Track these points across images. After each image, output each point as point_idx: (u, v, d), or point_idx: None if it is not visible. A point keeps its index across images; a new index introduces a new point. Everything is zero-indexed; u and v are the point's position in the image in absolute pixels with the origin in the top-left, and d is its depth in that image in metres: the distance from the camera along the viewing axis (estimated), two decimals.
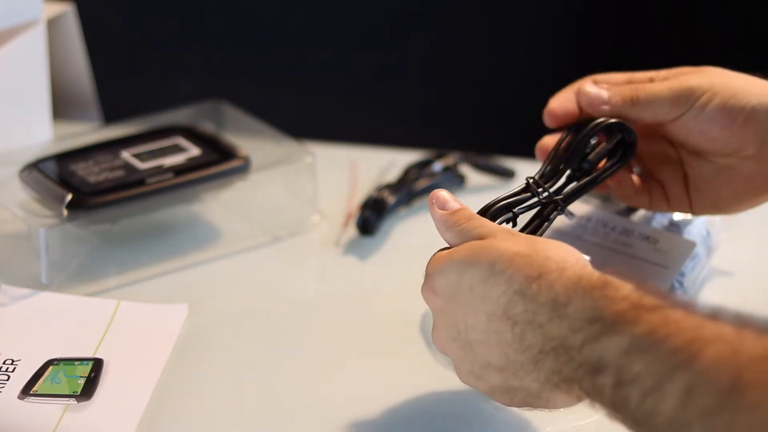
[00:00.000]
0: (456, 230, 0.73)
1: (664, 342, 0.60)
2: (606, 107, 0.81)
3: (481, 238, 0.71)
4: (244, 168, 0.96)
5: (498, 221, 0.76)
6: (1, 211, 0.92)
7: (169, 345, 0.82)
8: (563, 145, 0.80)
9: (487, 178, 1.05)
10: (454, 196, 0.75)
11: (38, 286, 0.89)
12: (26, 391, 0.78)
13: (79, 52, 1.10)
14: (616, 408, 0.62)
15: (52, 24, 1.06)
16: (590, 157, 0.81)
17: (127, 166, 0.94)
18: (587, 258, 0.69)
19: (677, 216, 0.90)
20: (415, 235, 0.98)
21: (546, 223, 0.77)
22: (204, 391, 0.79)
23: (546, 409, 0.70)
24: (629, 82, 0.83)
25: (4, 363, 0.80)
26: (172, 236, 0.96)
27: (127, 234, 0.95)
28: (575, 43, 1.76)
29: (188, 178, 0.94)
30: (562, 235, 0.87)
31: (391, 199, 0.98)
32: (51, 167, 0.93)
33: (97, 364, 0.80)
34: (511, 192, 0.77)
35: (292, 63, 1.73)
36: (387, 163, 1.06)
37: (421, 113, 1.78)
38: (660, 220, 0.89)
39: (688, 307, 0.62)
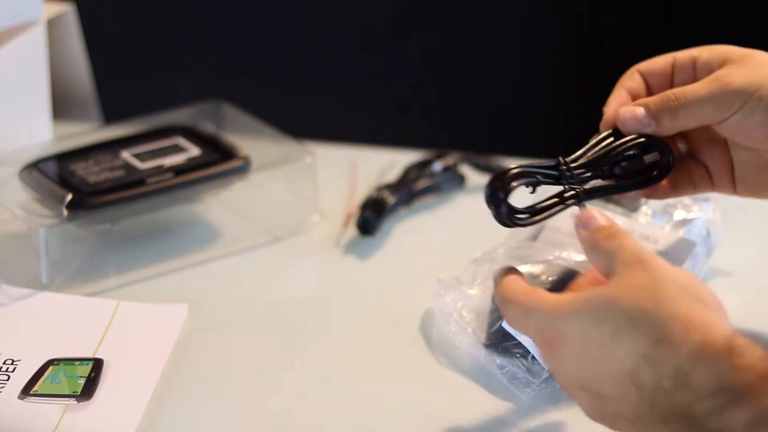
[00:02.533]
0: (597, 252, 0.70)
1: None
2: (648, 129, 0.79)
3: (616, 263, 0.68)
4: (244, 168, 0.96)
5: (518, 183, 0.74)
6: (1, 211, 0.92)
7: (169, 345, 0.82)
8: (602, 144, 0.79)
9: (487, 178, 1.05)
10: (602, 212, 0.72)
11: (38, 286, 0.89)
12: (26, 391, 0.78)
13: (79, 52, 1.10)
14: None
15: (52, 24, 1.06)
16: (624, 164, 0.79)
17: (127, 166, 0.94)
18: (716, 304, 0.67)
19: (677, 216, 0.90)
20: (415, 235, 0.98)
21: (562, 207, 0.75)
22: (204, 391, 0.79)
23: None
24: (671, 69, 0.81)
25: (4, 363, 0.80)
26: (172, 236, 0.96)
27: (127, 234, 0.95)
28: (575, 43, 1.76)
29: (188, 178, 0.94)
30: (564, 235, 0.87)
31: (391, 199, 0.98)
32: (51, 167, 0.93)
33: (97, 364, 0.80)
34: (541, 163, 0.76)
35: (292, 63, 1.73)
36: (387, 163, 1.06)
37: (421, 113, 1.78)
38: (660, 220, 0.89)
39: None
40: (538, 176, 0.75)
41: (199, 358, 0.82)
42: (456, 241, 0.97)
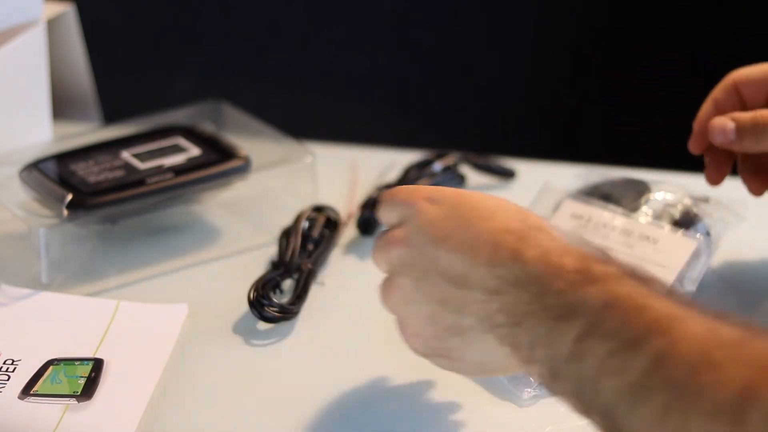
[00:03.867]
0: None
1: (646, 309, 0.59)
2: (733, 146, 0.82)
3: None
4: (244, 168, 0.96)
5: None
6: (1, 211, 0.92)
7: (169, 345, 0.82)
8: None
9: (487, 178, 1.05)
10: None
11: (38, 286, 0.89)
12: (26, 391, 0.78)
13: (79, 52, 1.10)
14: (567, 363, 0.60)
15: (52, 24, 1.06)
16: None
17: (127, 166, 0.94)
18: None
19: (677, 216, 0.90)
20: None
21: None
22: (204, 391, 0.79)
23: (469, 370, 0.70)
24: None
25: (4, 363, 0.80)
26: (172, 236, 0.96)
27: (127, 234, 0.95)
28: (575, 43, 1.76)
29: (188, 178, 0.94)
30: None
31: None
32: (51, 167, 0.93)
33: (98, 364, 0.80)
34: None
35: (292, 63, 1.73)
36: (387, 163, 1.06)
37: (421, 113, 1.78)
38: (660, 220, 0.89)
39: (670, 294, 0.61)
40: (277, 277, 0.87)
41: (199, 358, 0.82)
42: None
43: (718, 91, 0.85)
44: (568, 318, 0.61)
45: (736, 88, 0.85)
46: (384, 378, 0.80)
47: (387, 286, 0.71)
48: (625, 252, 0.87)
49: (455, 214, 0.68)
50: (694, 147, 0.88)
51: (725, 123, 0.82)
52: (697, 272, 0.87)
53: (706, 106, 0.86)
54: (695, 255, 0.86)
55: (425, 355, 0.71)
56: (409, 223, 0.69)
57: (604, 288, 0.61)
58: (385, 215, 0.72)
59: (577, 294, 0.61)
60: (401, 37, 1.74)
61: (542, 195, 0.92)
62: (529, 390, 0.77)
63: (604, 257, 0.63)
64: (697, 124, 0.87)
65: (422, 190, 0.70)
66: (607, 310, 0.60)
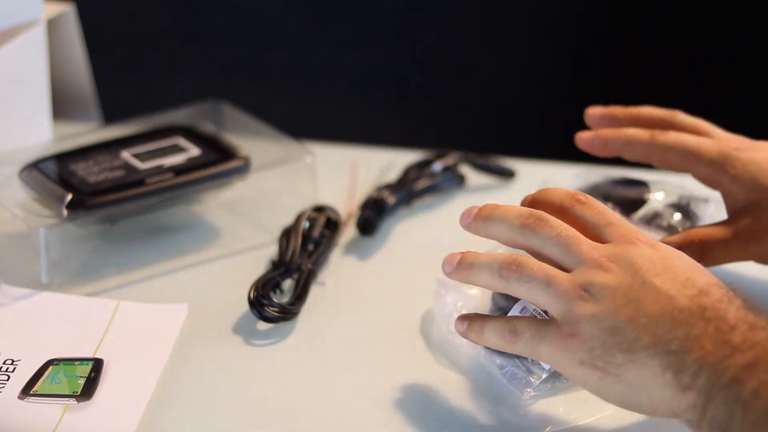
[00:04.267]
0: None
1: None
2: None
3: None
4: (244, 168, 0.96)
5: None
6: (1, 211, 0.92)
7: (169, 345, 0.82)
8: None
9: (487, 178, 1.05)
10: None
11: (38, 286, 0.89)
12: (26, 391, 0.78)
13: (79, 52, 1.10)
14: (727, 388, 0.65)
15: (52, 24, 1.06)
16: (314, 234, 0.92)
17: (127, 166, 0.94)
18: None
19: (676, 217, 0.90)
20: (415, 235, 0.98)
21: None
22: (204, 391, 0.79)
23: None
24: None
25: (4, 363, 0.80)
26: (172, 236, 0.96)
27: (127, 234, 0.95)
28: (575, 43, 1.76)
29: (188, 178, 0.94)
30: None
31: (391, 199, 0.98)
32: (51, 167, 0.93)
33: (97, 364, 0.80)
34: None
35: (292, 63, 1.73)
36: (387, 163, 1.06)
37: (421, 113, 1.78)
38: (659, 220, 0.89)
39: None
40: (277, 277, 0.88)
41: (199, 358, 0.82)
42: (456, 241, 0.97)
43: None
44: (742, 350, 0.65)
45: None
46: (384, 378, 0.80)
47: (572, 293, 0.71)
48: None
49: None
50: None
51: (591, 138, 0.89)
52: None
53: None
54: None
55: (581, 363, 0.70)
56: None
57: None
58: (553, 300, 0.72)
59: (754, 336, 0.66)
60: (401, 37, 1.74)
61: None
62: (529, 390, 0.77)
63: None
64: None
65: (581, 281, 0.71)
66: None
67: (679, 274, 0.70)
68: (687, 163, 0.86)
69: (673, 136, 0.86)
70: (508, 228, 0.74)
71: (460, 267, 0.75)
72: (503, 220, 0.74)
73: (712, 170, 0.84)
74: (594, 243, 0.72)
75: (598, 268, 0.70)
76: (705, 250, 0.83)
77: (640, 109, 0.91)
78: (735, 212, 0.84)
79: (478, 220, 0.76)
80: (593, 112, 0.92)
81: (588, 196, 0.76)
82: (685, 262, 0.71)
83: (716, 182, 0.85)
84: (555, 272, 0.71)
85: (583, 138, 0.89)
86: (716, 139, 0.86)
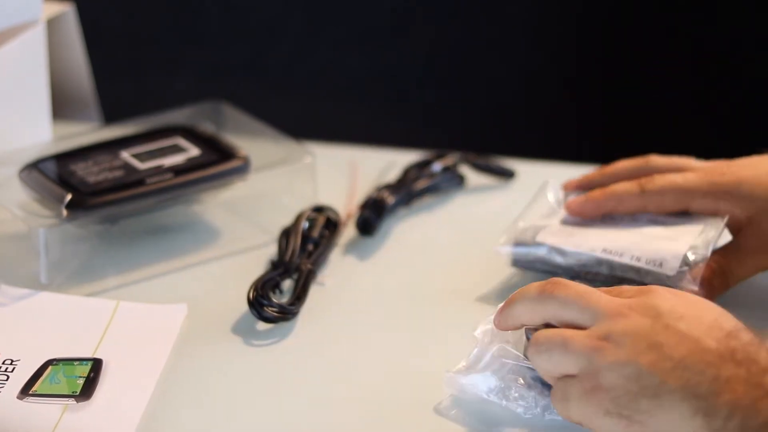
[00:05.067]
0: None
1: None
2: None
3: None
4: (244, 168, 0.96)
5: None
6: (1, 211, 0.92)
7: (168, 345, 0.82)
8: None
9: (487, 178, 1.05)
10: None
11: (38, 286, 0.89)
12: (25, 391, 0.78)
13: (79, 52, 1.10)
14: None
15: (52, 24, 1.06)
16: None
17: (127, 166, 0.94)
18: None
19: (675, 216, 0.90)
20: (415, 235, 0.98)
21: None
22: (203, 391, 0.79)
23: None
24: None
25: (3, 363, 0.80)
26: (172, 236, 0.96)
27: (127, 234, 0.95)
28: (575, 43, 1.76)
29: (188, 178, 0.94)
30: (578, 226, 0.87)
31: (390, 200, 0.98)
32: (51, 167, 0.93)
33: (97, 364, 0.80)
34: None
35: (292, 63, 1.73)
36: (387, 163, 1.06)
37: (421, 113, 1.78)
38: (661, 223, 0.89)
39: None
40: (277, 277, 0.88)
41: (198, 358, 0.82)
42: (456, 241, 0.97)
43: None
44: None
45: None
46: (383, 378, 0.80)
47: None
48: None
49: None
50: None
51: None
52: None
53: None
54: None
55: (607, 413, 0.69)
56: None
57: None
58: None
59: None
60: (401, 37, 1.74)
61: (541, 194, 0.92)
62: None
63: None
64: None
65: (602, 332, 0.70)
66: None
67: (705, 317, 0.69)
68: (682, 203, 0.87)
69: (660, 181, 0.88)
70: (528, 302, 0.74)
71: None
72: (523, 295, 0.74)
73: (708, 202, 0.87)
74: (612, 297, 0.72)
75: (617, 317, 0.70)
76: (726, 274, 0.85)
77: (615, 167, 0.92)
78: (741, 230, 0.87)
79: (501, 314, 0.75)
80: (569, 186, 0.92)
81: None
82: (709, 305, 0.71)
83: (716, 211, 0.87)
84: (572, 332, 0.70)
85: (572, 205, 0.89)
86: (699, 171, 0.88)
